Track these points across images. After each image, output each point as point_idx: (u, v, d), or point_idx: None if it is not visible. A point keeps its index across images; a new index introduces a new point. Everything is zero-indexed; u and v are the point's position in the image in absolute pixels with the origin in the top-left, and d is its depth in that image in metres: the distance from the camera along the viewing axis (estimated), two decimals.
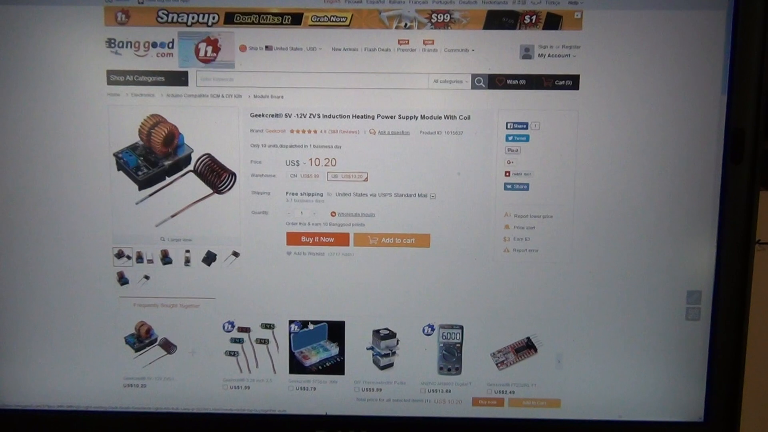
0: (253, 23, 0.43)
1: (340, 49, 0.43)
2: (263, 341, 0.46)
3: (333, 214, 0.45)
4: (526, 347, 0.46)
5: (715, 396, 0.45)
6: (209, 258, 0.45)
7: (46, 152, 0.44)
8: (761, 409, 0.48)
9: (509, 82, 0.43)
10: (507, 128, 0.44)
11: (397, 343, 0.46)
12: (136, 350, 0.46)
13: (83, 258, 0.45)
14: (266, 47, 0.43)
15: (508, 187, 0.44)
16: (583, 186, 0.44)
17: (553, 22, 0.42)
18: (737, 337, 0.44)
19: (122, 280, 0.45)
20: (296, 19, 0.43)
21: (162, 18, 0.43)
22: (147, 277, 0.45)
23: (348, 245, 0.45)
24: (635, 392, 0.46)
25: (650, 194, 0.44)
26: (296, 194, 0.44)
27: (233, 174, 0.44)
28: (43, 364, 0.46)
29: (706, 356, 0.45)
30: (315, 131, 0.44)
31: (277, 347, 0.46)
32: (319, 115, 0.44)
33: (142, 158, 0.44)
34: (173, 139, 0.44)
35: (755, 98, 0.42)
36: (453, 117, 0.43)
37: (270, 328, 0.46)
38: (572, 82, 0.43)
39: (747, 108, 0.42)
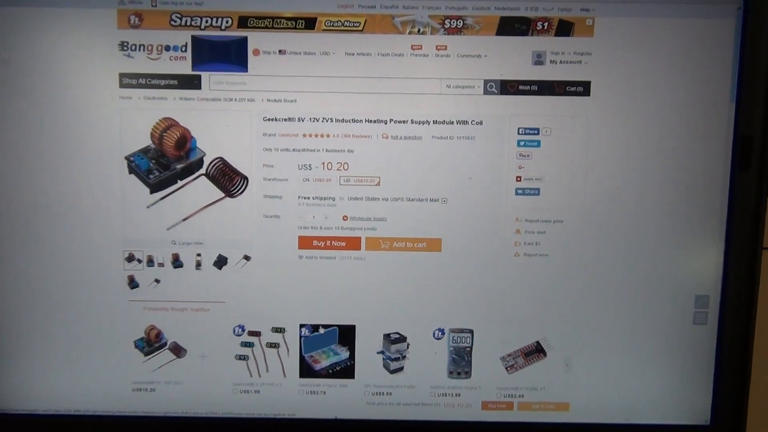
0: (266, 27, 0.43)
1: (353, 54, 0.43)
2: (274, 345, 0.46)
3: (345, 218, 0.45)
4: (536, 351, 0.46)
5: (722, 399, 0.46)
6: (220, 262, 0.45)
7: (58, 155, 0.43)
8: (767, 411, 0.48)
9: (521, 87, 0.43)
10: (518, 134, 0.44)
11: (408, 347, 0.46)
12: (146, 354, 0.46)
13: (93, 261, 0.45)
14: (280, 51, 0.43)
15: (519, 192, 0.44)
16: (593, 191, 0.44)
17: (565, 28, 0.43)
18: (744, 341, 0.45)
19: (132, 283, 0.45)
20: (310, 23, 0.43)
21: (175, 21, 0.43)
22: (157, 281, 0.45)
23: (359, 249, 0.45)
24: (643, 395, 0.47)
25: (659, 200, 0.44)
26: (308, 198, 0.44)
27: (245, 178, 0.44)
28: (51, 369, 0.46)
29: (713, 360, 0.46)
30: (328, 135, 0.44)
31: (288, 351, 0.46)
32: (331, 119, 0.44)
33: (153, 161, 0.44)
34: (185, 142, 0.44)
35: (763, 106, 0.43)
36: (465, 122, 0.44)
37: (280, 332, 0.46)
38: (583, 89, 0.43)
39: (755, 116, 0.43)
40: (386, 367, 0.46)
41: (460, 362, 0.46)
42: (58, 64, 0.43)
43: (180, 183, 0.44)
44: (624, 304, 0.45)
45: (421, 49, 0.43)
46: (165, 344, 0.46)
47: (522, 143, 0.44)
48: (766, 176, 0.43)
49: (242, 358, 0.46)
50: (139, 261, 0.45)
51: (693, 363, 0.46)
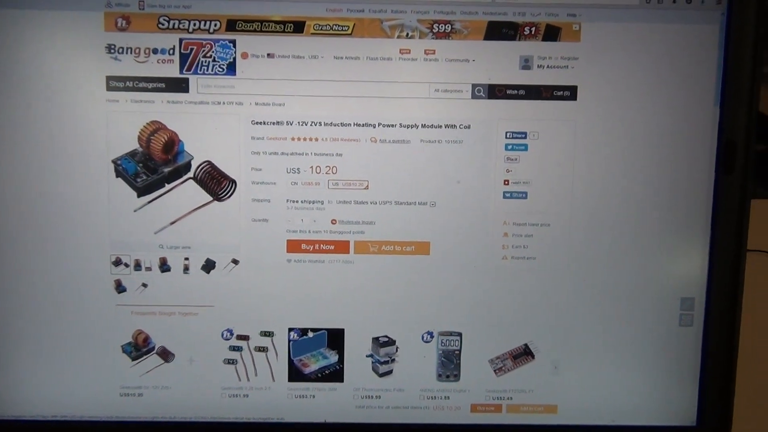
0: (255, 31, 0.43)
1: (341, 58, 0.43)
2: (262, 349, 0.46)
3: (333, 221, 0.45)
4: (524, 354, 0.47)
5: (708, 400, 0.46)
6: (208, 265, 0.45)
7: (44, 158, 0.43)
8: (753, 412, 0.49)
9: (509, 92, 0.44)
10: (506, 137, 0.44)
11: (397, 351, 0.46)
12: (133, 359, 0.46)
13: (80, 266, 0.44)
14: (268, 55, 0.43)
15: (507, 195, 0.45)
16: (580, 194, 0.45)
17: (552, 33, 0.43)
18: (729, 342, 0.45)
19: (120, 287, 0.45)
20: (298, 27, 0.43)
21: (163, 24, 0.43)
22: (145, 285, 0.45)
23: (348, 253, 0.45)
24: (630, 397, 0.47)
25: (645, 203, 0.45)
26: (297, 202, 0.44)
27: (233, 181, 0.44)
28: (37, 374, 0.45)
29: (698, 361, 0.46)
30: (316, 139, 0.44)
31: (276, 355, 0.46)
32: (320, 123, 0.44)
33: (141, 165, 0.44)
34: (173, 145, 0.44)
35: (746, 111, 0.43)
36: (453, 126, 0.44)
37: (269, 335, 0.46)
38: (570, 93, 0.44)
39: (739, 120, 0.43)
40: (375, 370, 0.46)
41: (449, 365, 0.47)
42: (44, 67, 0.42)
43: (167, 186, 0.44)
44: (611, 306, 0.46)
45: (409, 53, 0.43)
46: (153, 349, 0.46)
47: (510, 147, 0.44)
48: (749, 180, 0.44)
49: (231, 362, 0.46)
50: (126, 265, 0.44)
51: (679, 364, 0.46)
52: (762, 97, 0.44)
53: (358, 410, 0.47)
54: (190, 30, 0.43)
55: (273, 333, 0.46)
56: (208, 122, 0.43)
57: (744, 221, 0.44)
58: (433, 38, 0.43)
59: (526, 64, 0.43)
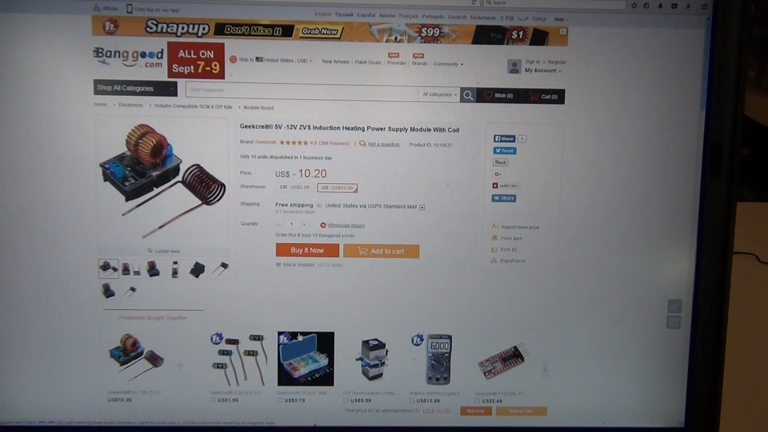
0: (243, 34, 0.43)
1: (330, 62, 0.43)
2: (252, 353, 0.46)
3: (323, 225, 0.45)
4: (514, 356, 0.47)
5: (696, 402, 0.46)
6: (197, 269, 0.45)
7: (31, 162, 0.43)
8: (740, 413, 0.49)
9: (497, 95, 0.44)
10: (495, 141, 0.44)
11: (387, 354, 0.46)
12: (122, 363, 0.45)
13: (68, 270, 0.44)
14: (257, 58, 0.43)
15: (496, 198, 0.45)
16: (568, 197, 0.45)
17: (539, 37, 0.43)
18: (716, 344, 0.46)
19: (108, 292, 0.44)
20: (287, 30, 0.43)
21: (151, 28, 0.43)
22: (133, 289, 0.45)
23: (338, 256, 0.45)
24: (619, 399, 0.47)
25: (633, 206, 0.45)
26: (286, 205, 0.44)
27: (222, 185, 0.44)
28: (24, 378, 0.45)
29: (686, 363, 0.47)
30: (305, 142, 0.44)
31: (266, 359, 0.46)
32: (309, 126, 0.44)
33: (129, 169, 0.43)
34: (161, 149, 0.43)
35: (732, 114, 0.44)
36: (442, 129, 0.44)
37: (259, 339, 0.46)
38: (558, 97, 0.44)
39: (725, 123, 0.44)
40: (365, 373, 0.46)
41: (439, 368, 0.47)
42: (31, 71, 0.42)
43: (156, 190, 0.44)
44: (599, 308, 0.46)
45: (398, 56, 0.43)
46: (141, 353, 0.45)
47: (498, 150, 0.44)
48: (735, 182, 0.44)
49: (220, 366, 0.46)
50: (115, 269, 0.44)
51: (667, 366, 0.47)
52: (747, 100, 0.44)
53: (348, 414, 0.47)
54: (179, 34, 0.43)
55: (262, 337, 0.46)
56: (197, 126, 0.43)
57: (730, 223, 0.44)
58: (421, 42, 0.43)
59: (514, 68, 0.44)
